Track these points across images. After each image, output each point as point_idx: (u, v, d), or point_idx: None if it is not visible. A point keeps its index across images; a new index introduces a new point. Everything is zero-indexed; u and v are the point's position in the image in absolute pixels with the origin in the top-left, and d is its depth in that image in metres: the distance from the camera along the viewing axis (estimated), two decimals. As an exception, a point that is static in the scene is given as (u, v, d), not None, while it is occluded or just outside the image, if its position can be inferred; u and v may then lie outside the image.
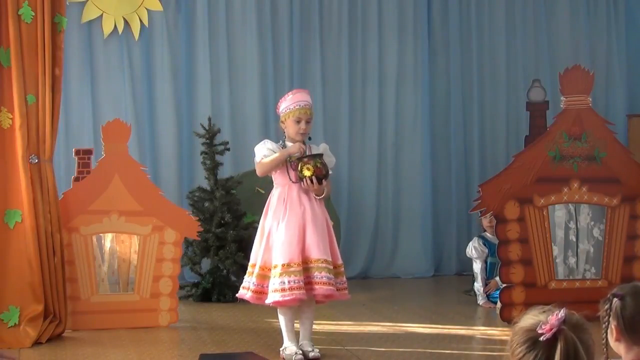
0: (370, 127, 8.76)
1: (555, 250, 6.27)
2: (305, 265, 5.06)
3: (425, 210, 8.80)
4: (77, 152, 6.88)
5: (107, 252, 6.38)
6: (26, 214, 5.64)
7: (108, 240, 6.38)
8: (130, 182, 6.19)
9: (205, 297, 7.19)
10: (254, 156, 5.31)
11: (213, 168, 7.37)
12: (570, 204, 6.35)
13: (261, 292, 5.13)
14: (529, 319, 2.01)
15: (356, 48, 8.76)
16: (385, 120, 8.81)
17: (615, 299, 2.43)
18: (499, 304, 6.29)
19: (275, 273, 5.05)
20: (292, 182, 5.19)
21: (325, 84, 8.67)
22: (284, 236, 5.09)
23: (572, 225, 6.39)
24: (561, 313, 1.97)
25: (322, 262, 5.05)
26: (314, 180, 5.12)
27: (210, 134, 7.38)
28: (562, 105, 6.38)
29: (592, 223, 6.38)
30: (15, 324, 5.60)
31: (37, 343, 5.56)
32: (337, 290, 5.13)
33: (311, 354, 5.17)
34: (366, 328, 6.18)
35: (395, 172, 8.81)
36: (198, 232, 6.50)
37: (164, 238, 6.21)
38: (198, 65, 8.42)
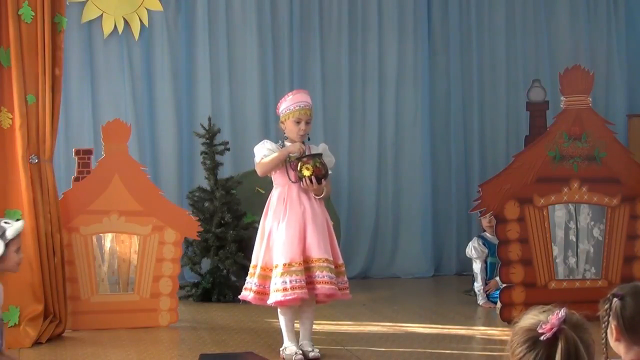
0: (370, 127, 8.76)
1: (555, 250, 6.27)
2: (307, 265, 5.06)
3: (425, 210, 8.80)
4: (77, 152, 6.88)
5: (107, 252, 6.38)
6: (26, 214, 5.63)
7: (108, 240, 6.38)
8: (130, 182, 6.19)
9: (205, 297, 7.19)
10: (254, 157, 5.31)
11: (213, 168, 7.37)
12: (570, 204, 6.35)
13: (263, 292, 5.13)
14: (529, 318, 2.01)
15: (356, 48, 8.76)
16: (385, 120, 8.81)
17: (615, 299, 2.43)
18: (499, 304, 6.29)
19: (276, 273, 5.04)
20: (292, 182, 5.19)
21: (325, 84, 8.67)
22: (284, 236, 5.09)
23: (572, 225, 6.39)
24: (561, 312, 1.97)
25: (324, 262, 5.05)
26: (313, 180, 5.12)
27: (210, 134, 7.38)
28: (562, 105, 6.38)
29: (592, 223, 6.38)
30: (15, 324, 5.60)
31: (37, 343, 5.56)
32: (340, 289, 5.14)
33: (311, 354, 5.17)
34: (366, 328, 6.18)
35: (395, 172, 8.81)
36: (198, 232, 6.50)
37: (164, 238, 6.21)
38: (198, 65, 8.42)
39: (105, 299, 6.14)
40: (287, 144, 5.26)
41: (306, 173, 5.12)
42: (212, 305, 7.06)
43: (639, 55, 9.22)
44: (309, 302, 5.17)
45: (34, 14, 5.67)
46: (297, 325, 5.30)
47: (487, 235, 7.18)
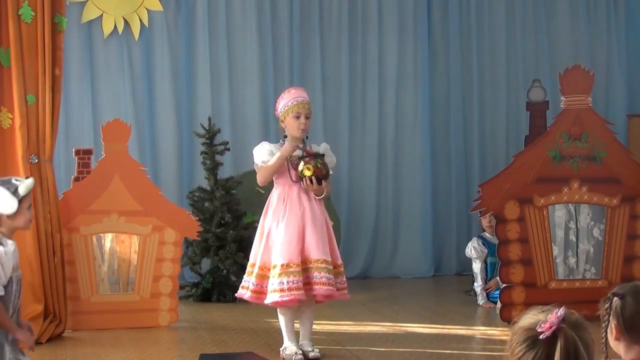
0: (370, 127, 8.77)
1: (555, 250, 6.27)
2: (305, 266, 5.06)
3: (425, 210, 8.80)
4: (77, 152, 6.88)
5: (107, 252, 6.39)
6: (26, 214, 5.63)
7: (108, 240, 6.39)
8: (130, 182, 6.19)
9: (205, 297, 7.19)
10: (254, 160, 5.30)
11: (213, 168, 7.37)
12: (570, 204, 6.35)
13: (260, 292, 5.12)
14: (528, 318, 2.01)
15: (356, 48, 8.76)
16: (385, 120, 8.81)
17: (615, 298, 2.43)
18: (499, 304, 6.29)
19: (274, 273, 5.04)
20: (293, 181, 5.18)
21: (325, 84, 8.68)
22: (283, 236, 5.08)
23: (572, 225, 6.39)
24: (561, 311, 1.97)
25: (322, 263, 5.05)
26: (314, 181, 5.11)
27: (210, 134, 7.38)
28: (562, 105, 6.38)
29: (592, 223, 6.38)
30: (15, 323, 5.59)
31: (37, 343, 5.52)
32: (337, 290, 5.13)
33: (311, 354, 5.17)
34: (366, 328, 6.18)
35: (395, 172, 8.81)
36: (198, 232, 6.50)
37: (164, 238, 6.21)
38: (198, 65, 8.43)
39: (105, 299, 6.14)
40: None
41: (307, 173, 5.11)
42: (212, 305, 7.06)
43: (639, 55, 9.22)
44: (308, 302, 5.17)
45: (34, 14, 5.67)
46: (297, 326, 5.30)
47: (487, 235, 7.18)
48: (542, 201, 6.19)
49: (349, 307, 6.63)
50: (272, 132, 7.88)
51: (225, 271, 7.27)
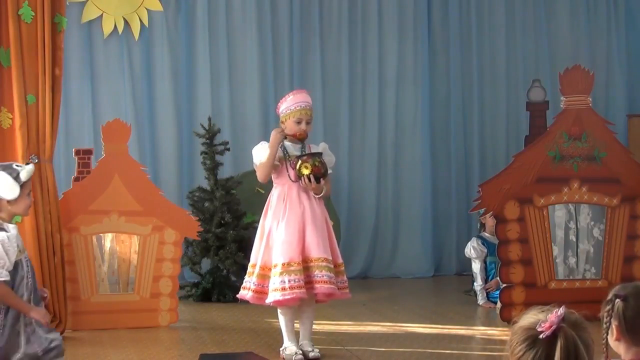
0: (370, 127, 8.77)
1: (555, 250, 6.27)
2: (305, 265, 5.06)
3: (425, 210, 8.80)
4: (77, 152, 6.88)
5: (107, 252, 6.38)
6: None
7: (108, 240, 6.39)
8: (130, 182, 6.19)
9: (205, 297, 7.19)
10: (253, 160, 5.32)
11: (213, 168, 7.37)
12: (570, 204, 6.35)
13: (261, 292, 5.12)
14: (528, 318, 2.01)
15: (356, 48, 8.76)
16: (385, 120, 8.81)
17: (617, 300, 2.43)
18: (499, 304, 6.29)
19: (275, 272, 5.04)
20: (292, 181, 5.19)
21: (325, 84, 8.67)
22: (283, 236, 5.09)
23: (572, 225, 6.39)
24: (561, 311, 1.97)
25: (323, 261, 5.05)
26: (312, 179, 5.11)
27: (210, 134, 7.38)
28: (562, 105, 6.38)
29: (592, 223, 6.38)
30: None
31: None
32: (338, 289, 5.13)
33: (311, 354, 5.17)
34: (366, 328, 6.18)
35: (395, 172, 8.81)
36: (198, 232, 6.50)
37: (164, 238, 6.21)
38: (198, 65, 8.43)
39: (105, 299, 6.14)
40: (287, 143, 5.26)
41: (305, 172, 5.12)
42: (212, 305, 7.06)
43: (639, 55, 9.22)
44: (308, 301, 5.17)
45: (34, 14, 5.67)
46: (297, 325, 5.30)
47: (486, 235, 7.18)
48: (542, 201, 6.19)
49: (349, 307, 6.63)
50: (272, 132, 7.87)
51: (225, 271, 7.27)
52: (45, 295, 4.21)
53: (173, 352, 5.59)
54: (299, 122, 5.21)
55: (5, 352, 3.89)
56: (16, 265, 3.95)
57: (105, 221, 6.14)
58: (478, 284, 7.11)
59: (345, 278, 5.27)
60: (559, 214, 6.35)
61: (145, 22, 8.26)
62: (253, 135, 8.28)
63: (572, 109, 6.31)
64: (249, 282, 5.21)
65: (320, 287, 5.03)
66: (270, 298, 5.05)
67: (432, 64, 8.91)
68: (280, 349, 5.23)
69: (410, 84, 8.86)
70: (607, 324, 2.42)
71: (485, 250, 7.12)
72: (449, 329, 6.13)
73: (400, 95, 8.85)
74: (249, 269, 5.25)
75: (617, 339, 2.44)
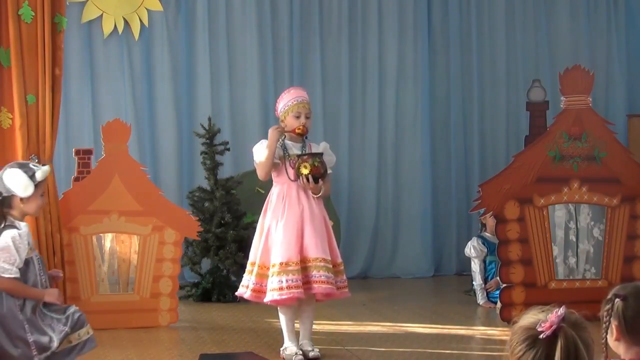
0: (370, 127, 8.76)
1: (555, 250, 6.27)
2: (304, 265, 5.07)
3: (425, 210, 8.80)
4: (77, 152, 6.88)
5: (107, 252, 6.38)
6: (26, 214, 5.63)
7: (108, 240, 6.38)
8: (130, 182, 6.19)
9: (205, 297, 7.19)
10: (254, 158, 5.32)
11: (213, 168, 7.37)
12: (570, 204, 6.35)
13: (260, 290, 5.13)
14: (528, 317, 2.01)
15: (356, 48, 8.76)
16: (385, 120, 8.80)
17: (617, 300, 2.43)
18: (499, 304, 6.29)
19: (273, 272, 5.05)
20: (291, 180, 5.19)
21: (325, 84, 8.67)
22: (282, 235, 5.09)
23: (572, 225, 6.39)
24: (561, 311, 1.97)
25: (321, 261, 5.06)
26: (310, 179, 5.12)
27: (210, 134, 7.38)
28: (562, 105, 6.38)
29: (592, 223, 6.38)
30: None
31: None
32: (337, 288, 5.14)
33: (311, 354, 5.18)
34: (366, 328, 6.18)
35: (395, 172, 8.81)
36: (198, 232, 6.50)
37: (164, 238, 6.21)
38: (198, 65, 8.42)
39: (105, 299, 6.14)
40: (288, 142, 5.26)
41: (304, 171, 5.12)
42: (212, 305, 7.06)
43: (639, 55, 9.22)
44: (308, 301, 5.18)
45: (34, 14, 5.67)
46: (297, 325, 5.30)
47: (487, 234, 7.18)
48: (542, 201, 6.19)
49: (349, 307, 6.63)
50: (272, 132, 7.87)
51: (225, 271, 7.27)
52: (60, 274, 4.32)
53: (173, 352, 5.59)
54: (297, 117, 5.21)
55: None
56: (27, 262, 4.00)
57: (105, 221, 6.14)
58: (477, 283, 7.11)
59: (344, 277, 5.27)
60: (559, 214, 6.35)
61: (145, 22, 8.26)
62: (253, 135, 8.27)
63: (572, 109, 6.31)
64: (248, 281, 5.22)
65: (318, 287, 5.04)
66: (268, 297, 5.07)
67: (432, 64, 8.91)
68: (281, 349, 5.23)
69: (410, 83, 8.86)
70: (607, 323, 2.42)
71: (485, 250, 7.12)
72: (449, 329, 6.13)
73: (400, 95, 8.84)
74: (248, 267, 5.26)
75: (617, 339, 2.44)
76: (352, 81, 8.73)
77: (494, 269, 7.05)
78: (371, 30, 8.78)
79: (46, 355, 3.99)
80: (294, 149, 5.24)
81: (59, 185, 6.06)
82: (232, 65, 8.50)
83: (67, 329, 4.04)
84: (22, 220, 4.05)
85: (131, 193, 6.18)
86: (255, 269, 5.18)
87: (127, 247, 6.37)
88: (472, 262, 7.20)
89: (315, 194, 5.19)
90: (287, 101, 5.27)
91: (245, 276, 5.27)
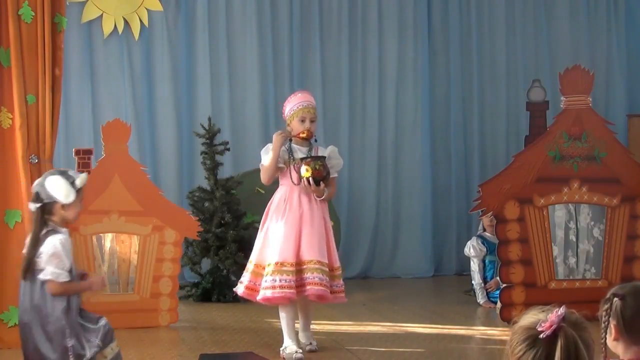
0: (370, 127, 8.76)
1: (555, 250, 6.27)
2: (299, 267, 5.14)
3: (425, 210, 8.80)
4: (77, 152, 6.88)
5: (107, 252, 6.38)
6: (26, 214, 5.61)
7: (108, 240, 6.39)
8: (130, 182, 6.19)
9: (205, 297, 7.19)
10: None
11: (213, 168, 7.37)
12: (570, 204, 6.35)
13: (252, 289, 5.22)
14: (528, 317, 2.01)
15: (356, 48, 8.76)
16: (385, 120, 8.80)
17: (616, 299, 2.43)
18: (499, 304, 6.29)
19: (267, 271, 5.14)
20: (294, 183, 5.26)
21: (325, 84, 8.67)
22: (279, 236, 5.17)
23: (572, 225, 6.39)
24: (561, 310, 1.97)
25: (315, 263, 5.13)
26: (311, 182, 5.18)
27: (210, 134, 7.38)
28: (562, 105, 6.38)
29: (592, 223, 6.38)
30: (15, 324, 5.58)
31: (37, 343, 5.55)
32: (333, 292, 5.20)
33: (308, 347, 5.28)
34: (366, 328, 6.18)
35: (395, 172, 8.81)
36: (198, 232, 6.50)
37: (164, 238, 6.21)
38: (198, 65, 8.42)
39: (105, 299, 6.13)
40: (295, 146, 5.34)
41: (306, 174, 5.20)
42: (212, 305, 7.06)
43: (639, 55, 9.22)
44: (304, 300, 5.27)
45: (34, 14, 5.66)
46: (297, 325, 5.32)
47: (487, 234, 7.18)
48: (542, 201, 6.19)
49: (349, 307, 6.62)
50: (272, 132, 7.84)
51: (225, 271, 7.27)
52: (87, 273, 4.42)
53: (173, 352, 5.59)
54: (302, 121, 5.31)
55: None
56: (70, 267, 4.07)
57: (105, 221, 6.14)
58: (477, 283, 7.12)
59: (341, 282, 5.31)
60: (559, 214, 6.35)
61: (145, 22, 8.26)
62: (253, 135, 8.30)
63: (572, 109, 6.31)
64: (244, 277, 5.31)
65: (311, 289, 5.10)
66: (260, 295, 5.16)
67: (432, 64, 8.91)
68: (281, 348, 5.24)
69: (410, 84, 8.86)
70: (606, 323, 2.42)
71: (485, 250, 7.12)
72: (449, 328, 6.13)
73: (400, 95, 8.84)
74: (247, 265, 5.35)
75: (616, 339, 2.44)
76: (352, 81, 8.73)
77: (492, 269, 7.05)
78: (371, 30, 8.78)
79: None
80: (300, 152, 5.33)
81: (59, 185, 6.05)
82: (232, 65, 8.50)
83: (99, 341, 4.14)
84: (62, 226, 4.11)
85: (131, 193, 6.18)
86: (251, 267, 5.26)
87: (127, 247, 6.38)
88: (471, 262, 7.21)
89: (319, 197, 5.26)
90: (293, 105, 5.36)
91: (244, 273, 5.35)
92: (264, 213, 5.35)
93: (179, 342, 5.88)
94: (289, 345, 5.20)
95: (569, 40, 9.12)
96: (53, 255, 4.03)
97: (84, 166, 6.72)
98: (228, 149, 7.49)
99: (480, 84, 8.99)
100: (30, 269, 4.09)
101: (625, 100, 9.17)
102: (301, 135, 5.29)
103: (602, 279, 6.28)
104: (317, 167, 5.20)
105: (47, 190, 4.09)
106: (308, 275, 5.09)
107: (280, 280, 5.06)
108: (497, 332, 6.02)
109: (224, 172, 7.61)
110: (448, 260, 8.88)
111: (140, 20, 8.23)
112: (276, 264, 5.09)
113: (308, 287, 5.09)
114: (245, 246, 7.02)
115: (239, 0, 8.52)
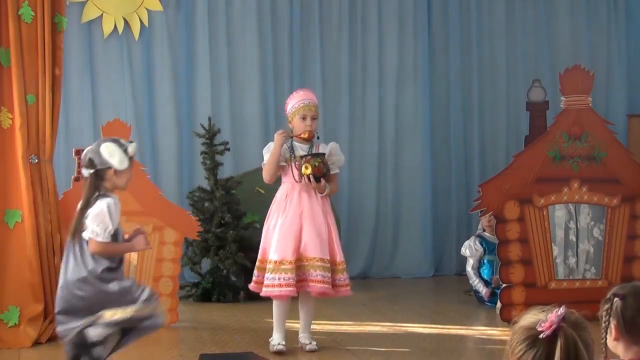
0: (370, 128, 8.76)
1: (555, 250, 6.27)
2: (300, 264, 5.22)
3: (426, 210, 8.80)
4: (77, 152, 6.85)
5: (107, 252, 6.37)
6: (26, 214, 5.63)
7: (108, 240, 6.37)
8: (130, 182, 6.16)
9: (205, 297, 7.19)
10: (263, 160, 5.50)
11: (213, 168, 7.37)
12: (570, 204, 6.35)
13: (260, 282, 5.34)
14: (528, 317, 2.01)
15: (356, 48, 8.75)
16: (385, 120, 8.80)
17: (616, 299, 2.43)
18: (499, 304, 6.29)
19: (269, 268, 5.24)
20: (295, 181, 5.33)
21: (325, 84, 8.67)
22: (279, 234, 5.25)
23: (572, 225, 6.38)
24: (561, 310, 1.97)
25: (318, 261, 5.21)
26: (312, 179, 5.25)
27: (210, 134, 7.38)
28: (562, 105, 6.38)
29: (592, 223, 6.37)
30: (15, 324, 5.60)
31: (37, 343, 5.56)
32: (337, 287, 5.28)
33: (307, 347, 5.32)
34: (366, 328, 6.18)
35: (395, 172, 8.81)
36: (198, 232, 6.50)
37: (164, 238, 6.21)
38: (198, 65, 8.42)
39: (105, 299, 6.12)
40: (296, 143, 5.40)
41: (306, 171, 5.28)
42: (212, 305, 7.06)
43: (639, 55, 9.22)
44: (306, 297, 5.35)
45: (34, 14, 5.67)
46: (294, 323, 5.32)
47: (486, 234, 7.18)
48: (542, 201, 6.19)
49: (349, 307, 6.63)
50: (272, 132, 7.85)
51: (225, 271, 7.27)
52: (142, 229, 4.45)
53: (173, 352, 5.59)
54: (304, 118, 5.38)
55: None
56: (116, 233, 4.13)
57: (105, 221, 6.13)
58: (474, 282, 7.12)
59: (346, 275, 5.38)
60: (559, 214, 6.35)
61: (145, 22, 8.25)
62: (253, 135, 8.30)
63: (572, 109, 6.31)
64: (254, 273, 5.44)
65: (314, 287, 5.21)
66: (263, 291, 5.29)
67: (432, 64, 8.91)
68: (270, 339, 5.38)
69: (410, 84, 8.86)
70: (606, 323, 2.42)
71: (481, 250, 7.13)
72: (449, 328, 6.13)
73: (400, 96, 8.84)
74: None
75: (616, 339, 2.44)
76: (352, 82, 8.73)
77: (489, 269, 7.05)
78: (371, 30, 8.78)
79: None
80: (300, 150, 5.40)
81: (59, 185, 6.05)
82: (232, 65, 8.49)
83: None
84: (112, 192, 4.17)
85: (131, 193, 6.16)
86: (257, 262, 5.40)
87: (127, 247, 6.36)
88: (467, 262, 7.22)
89: (321, 193, 5.35)
90: (294, 102, 5.43)
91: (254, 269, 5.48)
92: (268, 210, 5.44)
93: (179, 342, 5.87)
94: (275, 337, 5.36)
95: (569, 40, 9.12)
96: (97, 215, 4.11)
97: (84, 166, 6.70)
98: (228, 149, 7.49)
99: (480, 84, 8.98)
100: (78, 229, 4.14)
101: (625, 100, 9.17)
102: (302, 136, 5.36)
103: (602, 279, 6.28)
104: (317, 164, 5.28)
105: (102, 156, 4.17)
106: (311, 272, 5.20)
107: (279, 279, 5.18)
108: (497, 332, 6.03)
109: (224, 172, 7.61)
110: (448, 260, 8.87)
111: (140, 20, 8.23)
112: (275, 262, 5.20)
113: (311, 284, 5.20)
114: (245, 246, 7.03)
115: (239, 1, 8.52)
